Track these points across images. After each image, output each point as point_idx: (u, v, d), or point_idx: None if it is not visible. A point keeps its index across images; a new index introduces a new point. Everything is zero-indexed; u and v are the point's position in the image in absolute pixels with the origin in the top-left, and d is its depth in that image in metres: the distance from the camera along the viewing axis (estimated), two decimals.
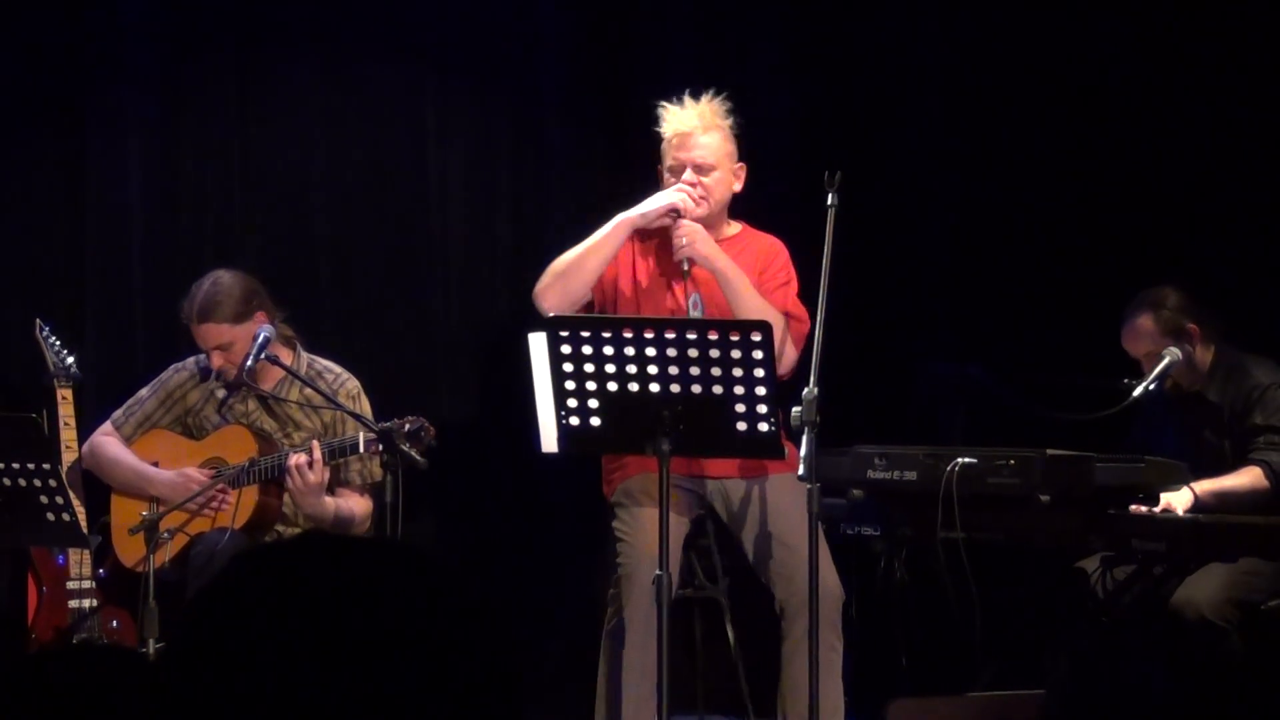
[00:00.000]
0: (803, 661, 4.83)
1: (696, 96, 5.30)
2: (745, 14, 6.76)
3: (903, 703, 5.54)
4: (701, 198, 5.22)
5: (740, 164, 5.31)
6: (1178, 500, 5.23)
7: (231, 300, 5.50)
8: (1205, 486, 5.31)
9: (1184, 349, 5.57)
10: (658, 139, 5.31)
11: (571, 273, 5.17)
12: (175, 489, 5.49)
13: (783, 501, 5.10)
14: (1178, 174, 6.52)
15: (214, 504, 5.46)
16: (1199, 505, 5.26)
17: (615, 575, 5.11)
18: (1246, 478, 5.42)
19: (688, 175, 5.22)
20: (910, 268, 6.80)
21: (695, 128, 5.24)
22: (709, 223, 5.24)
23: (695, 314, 5.21)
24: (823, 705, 4.82)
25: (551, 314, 4.99)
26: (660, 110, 5.30)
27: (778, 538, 5.10)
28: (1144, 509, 5.22)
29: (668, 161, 5.29)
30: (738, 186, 5.30)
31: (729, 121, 5.29)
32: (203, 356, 5.66)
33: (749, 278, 5.22)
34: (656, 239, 5.27)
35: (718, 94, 5.30)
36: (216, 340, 5.51)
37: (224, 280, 5.56)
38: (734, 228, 5.38)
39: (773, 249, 5.36)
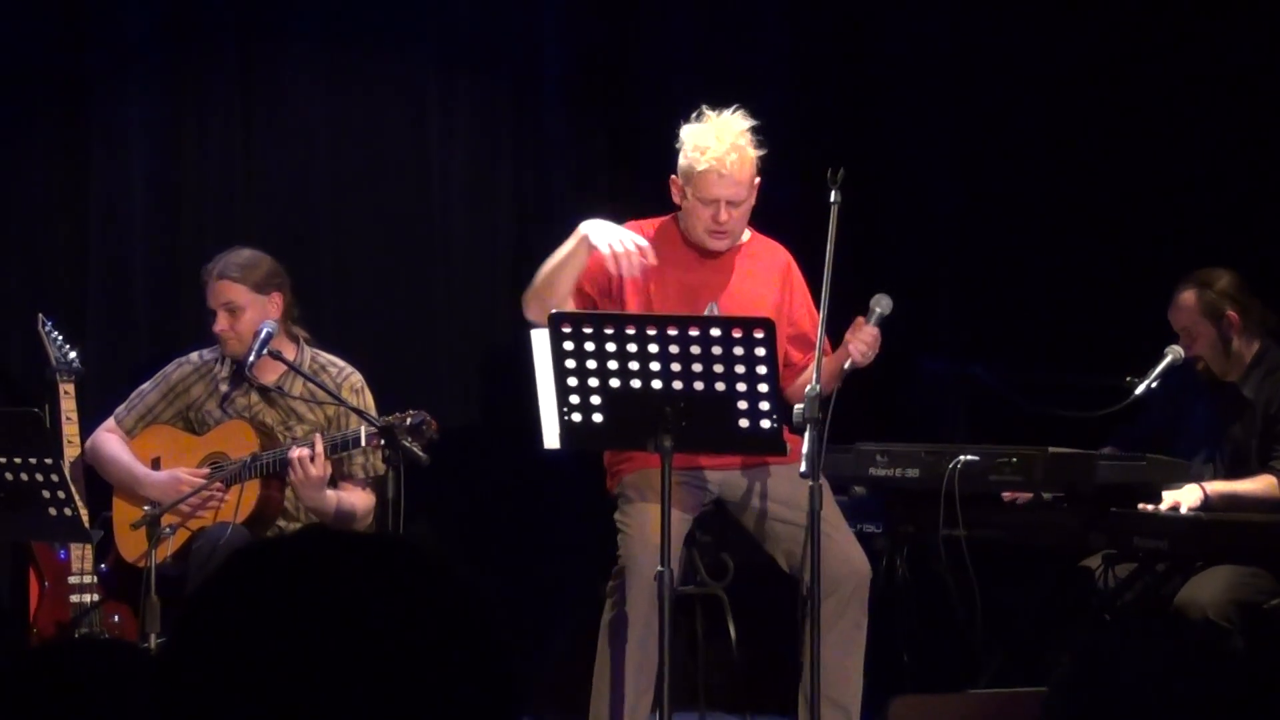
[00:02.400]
0: (831, 641, 4.86)
1: (713, 106, 5.14)
2: (748, 9, 6.75)
3: (905, 700, 5.53)
4: (723, 232, 5.13)
5: (758, 179, 5.20)
6: (1186, 498, 5.21)
7: (255, 270, 5.54)
8: (1217, 488, 5.29)
9: (1218, 334, 5.51)
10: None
11: (544, 292, 5.11)
12: (165, 491, 5.47)
13: (792, 488, 5.07)
14: (1184, 171, 6.51)
15: (210, 504, 5.45)
16: (1208, 505, 5.23)
17: (615, 568, 5.12)
18: (1260, 484, 5.38)
19: (724, 213, 5.09)
20: (913, 264, 6.79)
21: (734, 164, 5.05)
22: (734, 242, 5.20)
23: None
24: (845, 681, 4.84)
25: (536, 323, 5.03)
26: (688, 129, 5.12)
27: (792, 522, 5.08)
28: (1150, 507, 5.20)
29: (700, 190, 5.09)
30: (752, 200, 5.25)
31: (754, 144, 5.13)
32: (206, 351, 5.66)
33: (769, 288, 5.21)
34: (668, 249, 5.23)
35: (708, 93, 5.19)
36: (227, 297, 5.50)
37: (251, 252, 5.62)
38: (744, 233, 5.34)
39: (791, 267, 5.31)
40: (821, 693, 4.88)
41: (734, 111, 5.14)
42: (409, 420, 5.11)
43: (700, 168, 5.08)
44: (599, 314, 4.99)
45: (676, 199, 5.19)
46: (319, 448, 5.30)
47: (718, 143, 5.06)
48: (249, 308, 5.51)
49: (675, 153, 5.17)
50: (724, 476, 5.20)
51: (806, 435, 4.60)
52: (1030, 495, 5.34)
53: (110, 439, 5.66)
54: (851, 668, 5.04)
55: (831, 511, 4.97)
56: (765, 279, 5.26)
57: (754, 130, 5.12)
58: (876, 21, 6.81)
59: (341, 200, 6.53)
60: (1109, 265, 6.45)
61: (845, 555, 5.04)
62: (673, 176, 5.19)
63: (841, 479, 5.43)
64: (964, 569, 5.19)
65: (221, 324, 5.53)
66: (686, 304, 5.13)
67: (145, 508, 5.37)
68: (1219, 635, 5.17)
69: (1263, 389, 5.53)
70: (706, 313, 5.11)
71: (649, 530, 4.92)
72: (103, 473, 5.65)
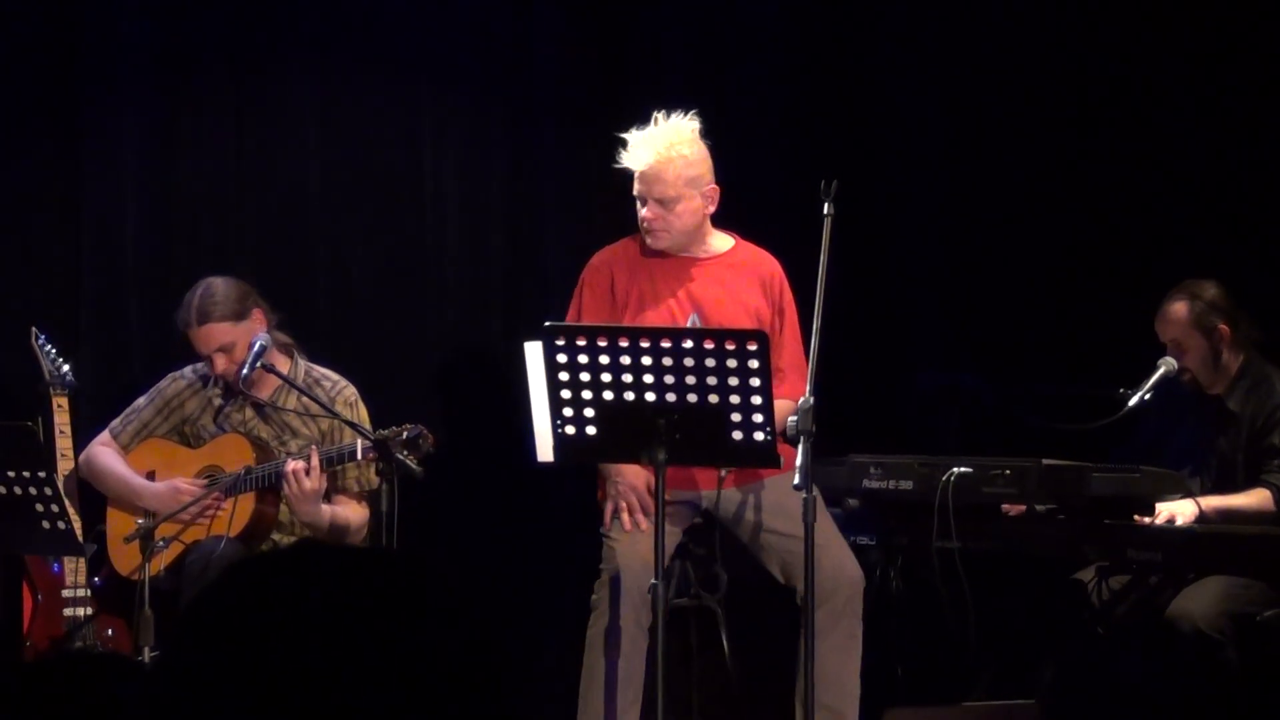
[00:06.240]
0: (827, 648, 4.86)
1: (673, 111, 5.21)
2: (740, 21, 6.76)
3: (898, 712, 5.54)
4: (663, 230, 5.17)
5: (713, 185, 5.22)
6: (1181, 511, 5.20)
7: (229, 300, 5.51)
8: (1212, 503, 5.27)
9: (1209, 346, 5.52)
10: None
11: None
12: (164, 501, 5.47)
13: (785, 500, 5.07)
14: (1177, 181, 6.51)
15: (208, 513, 5.45)
16: (1203, 519, 5.21)
17: (598, 579, 5.12)
18: (1254, 499, 5.37)
19: (647, 210, 5.17)
20: (906, 276, 6.80)
21: (652, 165, 5.14)
22: (681, 244, 5.22)
23: None
24: (841, 688, 4.85)
25: None
26: (625, 139, 5.21)
27: (786, 533, 5.10)
28: (1147, 520, 5.20)
29: (633, 189, 5.22)
30: (711, 208, 5.23)
31: (698, 148, 5.17)
32: (200, 365, 5.65)
33: (751, 296, 5.21)
34: (641, 260, 5.25)
35: (701, 109, 5.22)
36: (218, 341, 5.49)
37: (217, 284, 5.56)
38: (725, 241, 5.33)
39: (777, 275, 5.31)
40: (818, 700, 4.89)
41: (685, 116, 5.19)
42: (405, 434, 5.11)
43: (623, 165, 5.18)
44: (592, 326, 4.99)
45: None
46: (314, 461, 5.31)
47: (639, 143, 5.16)
48: (239, 339, 5.50)
49: None
50: (715, 494, 5.19)
51: (800, 447, 4.60)
52: (1024, 507, 5.34)
53: (105, 452, 5.66)
54: (848, 676, 5.07)
55: (824, 522, 4.98)
56: (744, 288, 5.26)
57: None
58: (869, 32, 6.82)
59: (335, 214, 6.53)
60: (1103, 277, 6.46)
61: (838, 564, 5.06)
62: None
63: (835, 491, 5.43)
64: (958, 581, 5.20)
65: (220, 365, 5.51)
66: (665, 312, 5.17)
67: (139, 520, 5.36)
68: (1212, 647, 5.17)
69: (1248, 402, 5.53)
70: (690, 323, 5.15)
71: (635, 540, 4.93)
72: (99, 486, 5.65)
